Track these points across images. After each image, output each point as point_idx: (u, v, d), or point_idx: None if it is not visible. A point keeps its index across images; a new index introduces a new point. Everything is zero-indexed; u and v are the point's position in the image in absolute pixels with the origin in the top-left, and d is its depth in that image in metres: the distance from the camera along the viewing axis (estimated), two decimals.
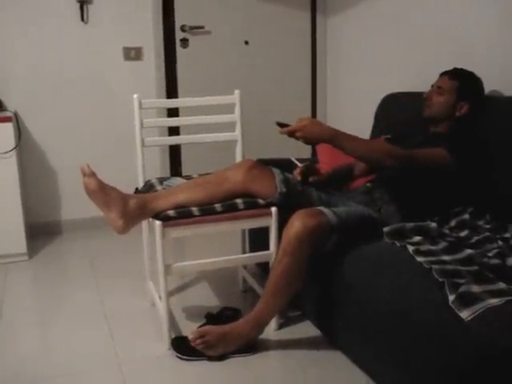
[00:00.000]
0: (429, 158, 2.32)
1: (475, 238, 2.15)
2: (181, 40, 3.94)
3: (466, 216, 2.33)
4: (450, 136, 2.49)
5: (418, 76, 3.18)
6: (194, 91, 3.68)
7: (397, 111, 3.12)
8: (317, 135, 2.24)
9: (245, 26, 4.12)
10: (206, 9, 3.99)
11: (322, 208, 2.21)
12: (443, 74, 2.61)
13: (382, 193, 2.44)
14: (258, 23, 4.14)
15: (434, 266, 1.85)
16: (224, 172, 2.47)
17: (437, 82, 2.60)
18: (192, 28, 3.93)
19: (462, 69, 2.60)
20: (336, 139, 2.25)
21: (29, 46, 3.77)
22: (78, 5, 3.82)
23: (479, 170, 2.39)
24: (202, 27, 3.95)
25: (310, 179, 2.55)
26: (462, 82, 2.53)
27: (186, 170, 4.00)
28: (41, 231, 3.90)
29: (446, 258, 1.96)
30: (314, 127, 2.24)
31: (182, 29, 3.94)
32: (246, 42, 4.13)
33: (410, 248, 2.01)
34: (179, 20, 3.94)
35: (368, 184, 2.56)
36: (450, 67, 2.63)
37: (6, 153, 3.30)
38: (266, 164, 2.56)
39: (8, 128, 3.34)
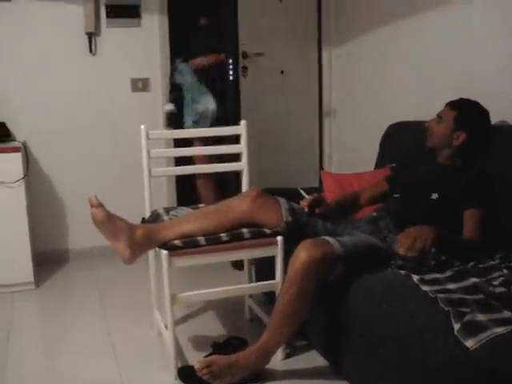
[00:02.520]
0: (478, 225, 2.34)
1: (480, 266, 2.15)
2: (242, 68, 4.05)
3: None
4: (463, 181, 2.45)
5: (423, 105, 3.20)
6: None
7: (402, 140, 3.14)
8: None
9: (281, 56, 4.28)
10: (259, 37, 4.17)
11: (327, 237, 2.22)
12: (447, 103, 2.63)
13: (388, 222, 2.45)
14: (291, 55, 4.32)
15: (440, 295, 1.85)
16: (230, 201, 2.49)
17: (440, 112, 2.63)
18: (256, 55, 4.08)
19: (466, 99, 2.59)
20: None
21: (38, 76, 3.83)
22: (86, 37, 3.89)
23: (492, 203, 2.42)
24: (262, 54, 4.11)
25: (317, 210, 2.56)
26: (461, 111, 2.54)
27: None
28: (48, 260, 3.91)
29: (451, 286, 1.96)
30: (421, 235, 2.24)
31: (244, 55, 4.03)
32: (282, 72, 4.25)
33: (415, 277, 2.02)
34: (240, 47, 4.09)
35: (374, 213, 2.57)
36: (454, 97, 2.63)
37: (14, 182, 3.34)
38: (271, 193, 2.58)
39: (17, 158, 3.39)
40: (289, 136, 4.31)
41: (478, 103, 2.58)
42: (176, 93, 3.79)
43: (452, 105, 2.58)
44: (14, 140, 3.62)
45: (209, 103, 3.66)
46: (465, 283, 1.99)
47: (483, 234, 2.33)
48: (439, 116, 2.59)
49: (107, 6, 3.93)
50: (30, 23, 3.78)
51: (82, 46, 3.91)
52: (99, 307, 3.21)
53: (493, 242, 2.32)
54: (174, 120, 3.76)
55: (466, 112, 2.55)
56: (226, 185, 3.99)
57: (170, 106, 3.81)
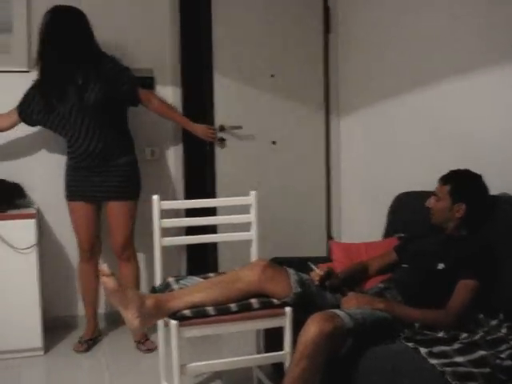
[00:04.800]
0: (466, 297, 2.36)
1: (488, 338, 2.16)
2: (219, 140, 4.09)
3: (481, 316, 2.35)
4: (467, 252, 2.48)
5: (430, 175, 3.22)
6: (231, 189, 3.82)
7: (409, 210, 3.16)
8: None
9: (272, 126, 4.30)
10: (239, 110, 4.19)
11: (337, 311, 2.23)
12: (439, 179, 2.66)
13: (395, 294, 2.47)
14: (282, 123, 4.32)
15: (447, 369, 1.87)
16: (239, 272, 2.53)
17: (435, 189, 2.67)
18: (232, 128, 4.11)
19: (455, 170, 2.64)
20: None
21: (52, 142, 3.88)
22: None
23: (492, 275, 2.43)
24: (240, 127, 4.13)
25: (327, 283, 2.59)
26: (454, 184, 2.58)
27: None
28: (57, 325, 3.88)
29: (459, 359, 1.98)
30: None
31: (221, 128, 4.10)
32: (274, 142, 4.30)
33: (423, 350, 2.03)
34: (218, 121, 4.11)
35: (380, 284, 2.60)
36: (460, 166, 2.67)
37: (27, 248, 3.39)
38: (280, 263, 2.62)
39: (31, 224, 3.43)
40: (292, 205, 4.34)
41: (467, 170, 2.62)
42: None
43: (444, 180, 2.63)
44: (28, 206, 3.67)
45: None
46: (473, 356, 2.00)
47: (470, 305, 2.35)
48: (435, 194, 2.64)
49: None
50: None
51: None
52: (106, 375, 3.20)
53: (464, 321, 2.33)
54: None
55: (459, 183, 2.60)
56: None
57: None
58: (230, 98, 4.14)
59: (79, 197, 3.52)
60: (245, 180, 4.08)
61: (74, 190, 3.54)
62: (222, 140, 4.09)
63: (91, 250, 3.61)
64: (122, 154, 3.52)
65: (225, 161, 4.13)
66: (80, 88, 3.39)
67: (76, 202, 3.53)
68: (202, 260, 4.19)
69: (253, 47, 4.20)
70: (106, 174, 3.48)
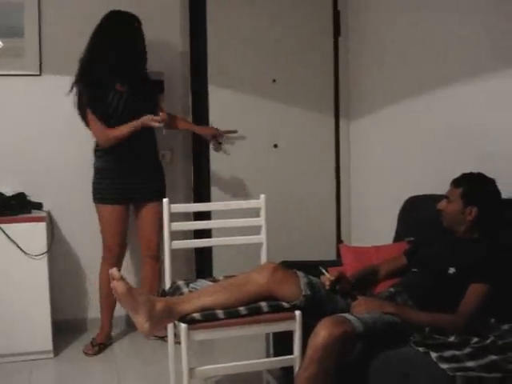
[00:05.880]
0: (477, 301, 2.34)
1: (500, 343, 2.14)
2: (215, 143, 4.07)
3: (492, 320, 2.33)
4: (478, 255, 2.46)
5: (441, 178, 3.21)
6: (227, 194, 3.87)
7: (420, 213, 3.15)
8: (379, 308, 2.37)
9: (274, 130, 4.26)
10: (238, 113, 4.16)
11: (347, 315, 2.23)
12: (451, 182, 2.65)
13: (406, 298, 2.46)
14: (286, 126, 4.28)
15: (458, 374, 1.86)
16: (248, 275, 2.53)
17: (447, 192, 2.67)
18: (227, 132, 4.05)
19: (468, 174, 2.62)
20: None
21: (64, 146, 3.87)
22: None
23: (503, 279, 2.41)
24: (235, 131, 4.09)
25: (337, 287, 2.58)
26: (466, 187, 2.57)
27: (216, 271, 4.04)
28: (66, 328, 3.88)
29: (470, 364, 1.96)
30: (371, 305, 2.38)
31: None
32: (275, 145, 4.26)
33: (433, 354, 2.01)
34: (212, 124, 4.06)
35: (391, 289, 2.59)
36: (472, 169, 2.65)
37: (38, 255, 3.40)
38: (289, 267, 2.61)
39: (41, 228, 3.45)
40: (300, 209, 4.30)
41: (480, 174, 2.60)
42: None
43: (456, 183, 2.62)
44: (39, 209, 3.68)
45: None
46: (484, 361, 1.99)
47: (481, 309, 2.33)
48: (447, 197, 2.63)
49: None
50: (58, 95, 3.82)
51: None
52: (116, 379, 3.21)
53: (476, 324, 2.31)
54: None
55: (472, 186, 2.58)
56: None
57: None
58: (225, 102, 4.11)
59: (113, 200, 3.51)
60: (243, 183, 4.09)
61: (107, 193, 3.52)
62: (219, 143, 4.08)
63: (120, 252, 3.61)
64: (156, 156, 3.66)
65: (221, 164, 4.11)
66: (131, 88, 3.49)
67: (109, 205, 3.52)
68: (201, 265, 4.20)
69: (253, 51, 4.15)
70: (145, 176, 3.55)
